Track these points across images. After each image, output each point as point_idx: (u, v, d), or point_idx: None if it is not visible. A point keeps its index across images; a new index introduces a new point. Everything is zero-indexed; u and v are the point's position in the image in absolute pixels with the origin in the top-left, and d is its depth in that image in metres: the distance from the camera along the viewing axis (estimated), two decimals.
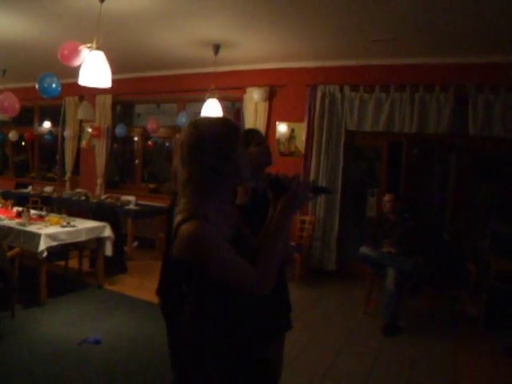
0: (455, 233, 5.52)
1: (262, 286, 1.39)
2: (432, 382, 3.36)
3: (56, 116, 8.79)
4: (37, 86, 4.34)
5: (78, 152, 8.57)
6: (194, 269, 1.38)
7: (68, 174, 8.58)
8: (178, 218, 1.39)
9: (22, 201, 6.65)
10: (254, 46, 5.68)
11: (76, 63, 3.96)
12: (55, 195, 7.56)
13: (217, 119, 1.51)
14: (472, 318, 4.59)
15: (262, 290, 1.40)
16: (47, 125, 9.46)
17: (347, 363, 3.59)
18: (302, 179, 1.50)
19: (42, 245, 4.26)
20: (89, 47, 3.88)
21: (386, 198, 4.84)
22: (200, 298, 1.44)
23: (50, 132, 8.91)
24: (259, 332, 1.60)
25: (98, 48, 3.82)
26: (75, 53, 3.90)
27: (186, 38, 5.41)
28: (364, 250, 4.73)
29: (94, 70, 3.76)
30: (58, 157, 8.97)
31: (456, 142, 5.64)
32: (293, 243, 5.83)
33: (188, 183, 1.40)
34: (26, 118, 9.80)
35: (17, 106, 5.12)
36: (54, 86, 4.35)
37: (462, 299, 4.56)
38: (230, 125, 1.45)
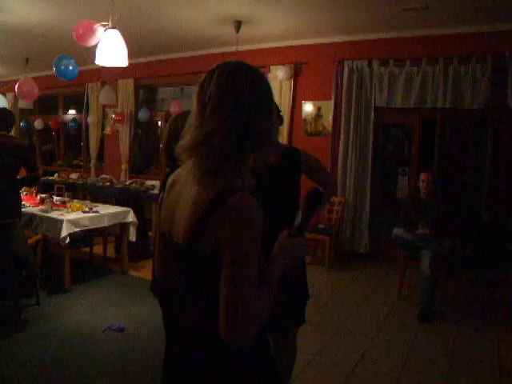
0: (494, 213, 5.20)
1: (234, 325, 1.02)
2: (474, 372, 3.12)
3: (80, 103, 8.76)
4: (53, 70, 4.23)
5: (103, 138, 8.54)
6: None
7: (93, 161, 8.56)
8: (204, 190, 1.08)
9: (47, 188, 6.64)
10: (276, 22, 5.44)
11: (92, 43, 3.84)
12: (80, 182, 7.55)
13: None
14: None
15: (228, 332, 1.03)
16: (72, 112, 9.46)
17: (381, 352, 3.39)
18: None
19: (64, 231, 4.20)
20: (104, 25, 3.75)
21: (424, 177, 4.51)
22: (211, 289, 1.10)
23: (74, 119, 8.92)
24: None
25: (113, 26, 3.68)
26: (90, 32, 3.77)
27: (206, 16, 5.21)
28: (397, 232, 4.47)
29: (110, 48, 3.63)
30: (82, 144, 8.97)
31: (494, 116, 5.30)
32: (322, 225, 5.65)
33: (206, 141, 1.06)
34: (50, 106, 9.85)
35: (36, 91, 5.05)
36: (70, 68, 4.23)
37: (503, 283, 4.28)
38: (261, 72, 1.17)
